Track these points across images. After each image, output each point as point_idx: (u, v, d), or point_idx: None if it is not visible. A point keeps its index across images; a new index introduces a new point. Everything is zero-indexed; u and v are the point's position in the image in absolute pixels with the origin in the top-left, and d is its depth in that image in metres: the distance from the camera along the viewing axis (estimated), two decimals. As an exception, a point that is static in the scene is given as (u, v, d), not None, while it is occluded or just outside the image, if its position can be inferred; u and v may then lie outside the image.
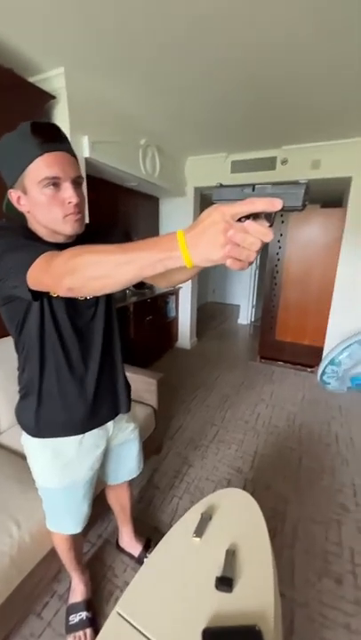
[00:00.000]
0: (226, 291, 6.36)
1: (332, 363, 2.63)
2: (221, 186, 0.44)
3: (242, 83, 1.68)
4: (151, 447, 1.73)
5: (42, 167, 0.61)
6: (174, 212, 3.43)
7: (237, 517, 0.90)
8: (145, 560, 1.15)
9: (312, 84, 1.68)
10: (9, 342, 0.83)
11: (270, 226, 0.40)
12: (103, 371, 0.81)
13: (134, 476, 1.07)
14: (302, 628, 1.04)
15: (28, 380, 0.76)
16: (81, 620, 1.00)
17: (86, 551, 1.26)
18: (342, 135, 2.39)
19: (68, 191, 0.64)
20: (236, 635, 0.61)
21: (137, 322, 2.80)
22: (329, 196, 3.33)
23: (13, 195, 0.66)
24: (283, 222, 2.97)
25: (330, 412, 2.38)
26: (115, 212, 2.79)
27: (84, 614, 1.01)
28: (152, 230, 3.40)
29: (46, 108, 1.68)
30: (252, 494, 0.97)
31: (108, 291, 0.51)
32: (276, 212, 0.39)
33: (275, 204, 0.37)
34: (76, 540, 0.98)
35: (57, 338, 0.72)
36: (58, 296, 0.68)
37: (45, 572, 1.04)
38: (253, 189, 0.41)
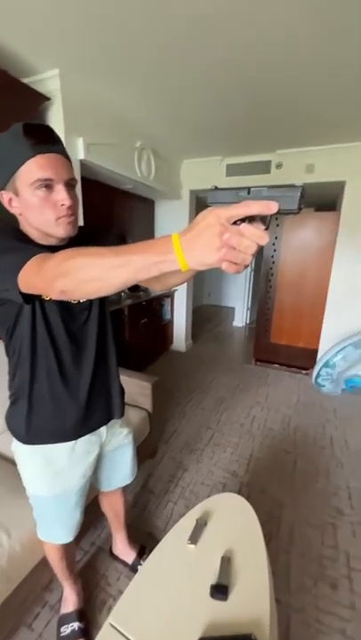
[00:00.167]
0: (221, 293, 6.38)
1: (326, 365, 2.64)
2: (217, 189, 0.44)
3: (238, 86, 1.69)
4: (146, 451, 1.71)
5: (34, 169, 0.61)
6: (170, 215, 3.43)
7: (233, 523, 0.89)
8: (139, 568, 1.13)
9: (308, 88, 1.69)
10: (-1, 346, 0.82)
11: (266, 229, 0.40)
12: (97, 375, 0.80)
13: (128, 482, 1.05)
14: (298, 633, 1.03)
15: (18, 385, 0.75)
16: (73, 631, 0.98)
17: (79, 559, 1.23)
18: (336, 140, 2.43)
19: (60, 193, 0.63)
20: (232, 644, 0.60)
21: (132, 324, 2.78)
22: (323, 200, 3.37)
23: (5, 196, 0.65)
24: (278, 225, 2.99)
25: (325, 414, 2.39)
26: (110, 214, 2.78)
27: (75, 625, 0.98)
28: (147, 233, 3.40)
29: (41, 109, 1.67)
30: (248, 498, 0.96)
31: (101, 294, 0.50)
32: (271, 215, 0.39)
33: (270, 207, 0.37)
34: (68, 549, 0.95)
35: (49, 342, 0.71)
36: (50, 299, 0.67)
37: (36, 581, 1.01)
38: (249, 192, 0.40)
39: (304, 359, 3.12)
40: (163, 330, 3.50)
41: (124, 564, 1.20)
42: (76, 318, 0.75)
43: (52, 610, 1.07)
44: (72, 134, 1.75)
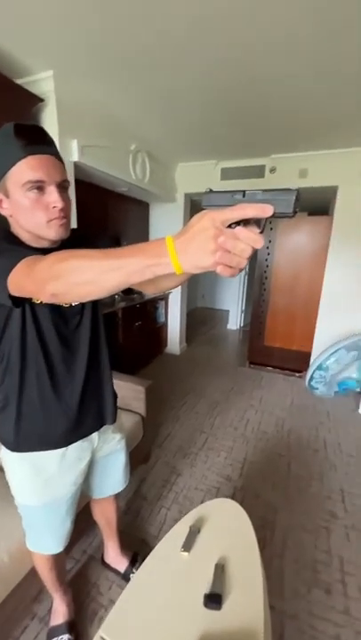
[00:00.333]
0: (215, 296, 6.40)
1: (319, 368, 2.66)
2: (211, 191, 0.43)
3: (233, 90, 1.69)
4: (139, 456, 1.69)
5: (25, 170, 0.59)
6: (164, 218, 3.43)
7: (227, 529, 0.87)
8: (131, 576, 1.11)
9: (305, 93, 1.71)
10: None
11: (261, 232, 0.39)
12: (89, 380, 0.78)
13: (120, 489, 1.03)
14: (292, 641, 1.02)
15: (7, 390, 0.72)
16: (63, 643, 0.95)
17: (70, 568, 1.20)
18: (329, 146, 2.46)
19: (52, 195, 0.62)
20: (226, 656, 0.59)
21: (126, 327, 2.76)
22: (316, 205, 3.41)
23: None
24: (271, 229, 3.01)
25: (318, 417, 2.40)
26: (104, 216, 2.76)
27: (65, 637, 0.95)
28: (142, 236, 3.39)
29: (34, 111, 1.66)
30: (242, 503, 0.95)
31: (93, 297, 0.49)
32: (266, 219, 0.38)
33: (266, 211, 0.36)
34: (58, 559, 0.93)
35: (40, 347, 0.69)
36: (41, 303, 0.65)
37: (25, 593, 0.98)
38: (244, 195, 0.40)
39: (298, 362, 3.13)
40: (157, 333, 3.49)
41: (116, 572, 1.18)
42: (68, 322, 0.73)
43: (41, 622, 1.04)
44: (66, 136, 1.74)
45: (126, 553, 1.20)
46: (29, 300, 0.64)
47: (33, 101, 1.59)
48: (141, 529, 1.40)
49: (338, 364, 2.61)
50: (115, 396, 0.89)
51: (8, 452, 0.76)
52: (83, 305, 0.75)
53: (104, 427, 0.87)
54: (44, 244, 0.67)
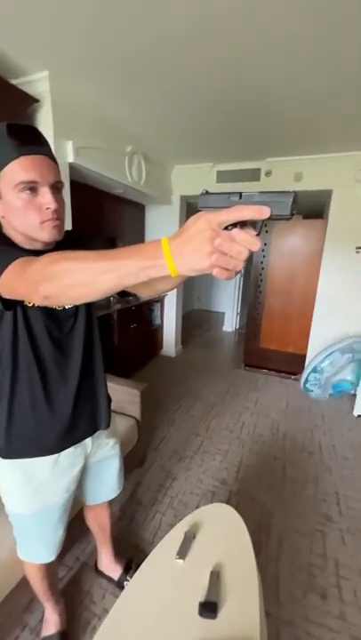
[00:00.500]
0: (211, 298, 6.41)
1: (314, 370, 2.67)
2: (207, 193, 0.42)
3: (229, 93, 1.69)
4: (134, 460, 1.67)
5: (17, 170, 0.58)
6: (160, 220, 3.43)
7: (222, 535, 0.86)
8: (125, 584, 1.09)
9: (303, 97, 1.72)
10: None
11: (258, 234, 0.39)
12: (82, 385, 0.76)
13: (114, 495, 1.01)
14: (288, 648, 1.01)
15: None
16: (54, 654, 0.92)
17: (62, 576, 1.18)
18: (324, 150, 2.49)
19: (45, 196, 0.61)
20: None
21: (121, 330, 2.74)
22: (311, 208, 3.45)
23: None
24: (267, 232, 3.03)
25: (313, 419, 2.41)
26: (100, 218, 2.75)
27: (57, 648, 0.93)
28: (138, 238, 3.38)
29: (29, 111, 1.65)
30: (237, 507, 0.95)
31: (87, 300, 0.48)
32: (263, 221, 0.38)
33: (263, 213, 0.36)
34: (50, 568, 0.90)
35: (32, 351, 0.67)
36: (33, 305, 0.64)
37: (16, 602, 0.96)
38: (240, 197, 0.39)
39: (293, 364, 3.14)
40: (152, 335, 3.47)
41: (110, 580, 1.16)
42: (62, 326, 0.72)
43: (32, 632, 1.01)
44: (61, 137, 1.73)
45: (120, 560, 1.18)
46: (21, 303, 0.62)
47: (28, 102, 1.58)
48: (136, 534, 1.38)
49: (332, 367, 2.62)
50: (109, 400, 0.88)
51: (-1, 458, 0.74)
52: (77, 308, 0.74)
53: (98, 432, 0.85)
54: (37, 246, 0.66)
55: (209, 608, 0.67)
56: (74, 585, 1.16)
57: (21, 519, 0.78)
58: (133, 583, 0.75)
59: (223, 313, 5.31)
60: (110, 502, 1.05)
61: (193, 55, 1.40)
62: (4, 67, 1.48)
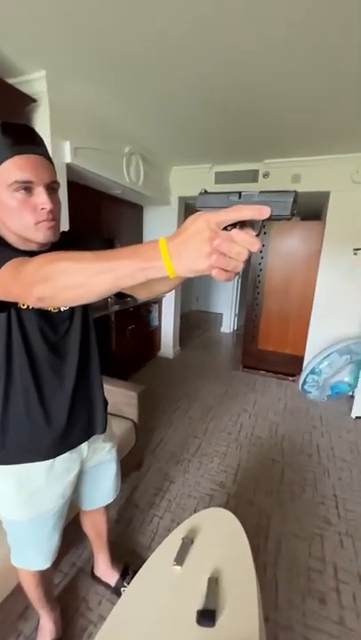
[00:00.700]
0: (209, 299, 6.40)
1: (312, 372, 2.67)
2: (206, 192, 0.42)
3: (228, 91, 1.68)
4: (131, 463, 1.66)
5: (12, 170, 0.57)
6: (158, 221, 3.42)
7: (220, 540, 0.85)
8: (122, 590, 1.07)
9: (302, 99, 1.71)
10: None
11: (257, 235, 0.38)
12: (78, 388, 0.75)
13: (111, 500, 0.99)
14: (287, 654, 1.00)
15: None
16: (49, 663, 0.91)
17: (58, 582, 1.16)
18: (322, 152, 2.49)
19: (41, 196, 0.60)
20: None
21: (119, 331, 2.73)
22: (309, 210, 3.45)
23: None
24: (265, 233, 3.03)
25: (311, 421, 2.40)
26: (98, 219, 2.74)
27: (52, 656, 0.91)
28: (136, 238, 3.37)
29: (26, 111, 1.63)
30: (235, 510, 0.94)
31: (82, 301, 0.47)
32: (263, 221, 0.37)
33: (263, 212, 0.35)
34: (45, 575, 0.88)
35: (26, 354, 0.65)
36: (28, 307, 0.63)
37: (11, 609, 0.94)
38: (240, 197, 0.38)
39: (291, 365, 3.14)
40: (150, 336, 3.46)
41: (107, 586, 1.14)
42: (57, 328, 0.70)
43: (26, 640, 1.00)
44: (59, 137, 1.72)
45: (117, 565, 1.16)
46: (15, 305, 0.61)
47: (25, 101, 1.56)
48: (133, 539, 1.37)
49: (330, 368, 2.62)
50: (105, 403, 0.86)
51: (-8, 464, 0.72)
52: (72, 310, 0.72)
53: (94, 436, 0.84)
54: (32, 247, 0.64)
55: (207, 616, 0.65)
56: (70, 591, 1.14)
57: (16, 526, 0.76)
58: (130, 590, 0.74)
59: (221, 314, 5.30)
60: (107, 507, 1.04)
61: (192, 55, 1.39)
62: (1, 66, 1.46)
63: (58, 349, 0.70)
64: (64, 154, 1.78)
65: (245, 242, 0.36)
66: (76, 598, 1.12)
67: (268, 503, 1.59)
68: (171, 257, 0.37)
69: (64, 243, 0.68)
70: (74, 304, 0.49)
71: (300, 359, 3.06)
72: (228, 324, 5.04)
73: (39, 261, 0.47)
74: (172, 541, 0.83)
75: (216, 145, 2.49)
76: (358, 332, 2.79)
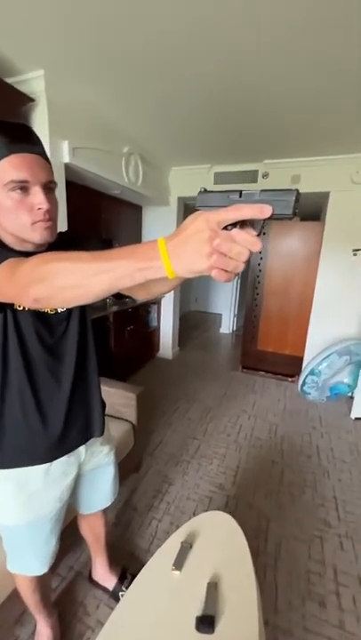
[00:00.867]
0: (208, 299, 6.39)
1: (312, 373, 2.66)
2: (206, 191, 0.41)
3: (227, 91, 1.67)
4: (130, 465, 1.64)
5: (8, 169, 0.56)
6: (157, 221, 3.42)
7: (219, 544, 0.84)
8: (120, 594, 1.06)
9: (302, 100, 1.70)
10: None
11: (258, 235, 0.37)
12: (75, 391, 0.74)
13: (109, 503, 0.98)
14: (287, 658, 0.99)
15: None
16: (46, 669, 0.89)
17: (55, 586, 1.14)
18: (321, 152, 2.49)
19: (37, 196, 0.59)
20: None
21: (118, 332, 2.72)
22: (308, 211, 3.45)
23: None
24: (264, 234, 3.02)
25: (310, 422, 2.39)
26: (97, 219, 2.73)
27: (49, 662, 0.90)
28: (135, 239, 3.36)
29: (24, 110, 1.62)
30: (235, 513, 0.93)
31: (79, 302, 0.46)
32: (264, 220, 0.36)
33: (264, 211, 0.34)
34: (42, 580, 0.87)
35: (22, 357, 0.64)
36: (24, 309, 0.62)
37: (7, 614, 0.93)
38: (240, 195, 0.37)
39: (290, 366, 3.13)
40: (149, 337, 3.45)
41: (105, 590, 1.12)
42: (54, 330, 0.69)
43: (23, 646, 0.98)
44: (57, 137, 1.71)
45: (115, 569, 1.15)
46: (11, 306, 0.60)
47: (23, 101, 1.55)
48: (131, 542, 1.35)
49: (330, 369, 2.61)
50: (103, 405, 0.85)
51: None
52: (69, 311, 0.71)
53: (92, 439, 0.82)
54: (29, 248, 0.63)
55: (206, 622, 0.64)
56: (67, 595, 1.13)
57: (12, 531, 0.75)
58: (129, 595, 0.73)
59: (220, 314, 5.30)
60: (105, 510, 1.03)
61: (192, 55, 1.38)
62: (-2, 65, 1.45)
63: (55, 351, 0.69)
64: (62, 154, 1.77)
65: (246, 242, 0.35)
66: (73, 603, 1.11)
67: (268, 505, 1.58)
68: (170, 257, 0.36)
69: (61, 243, 0.67)
70: (71, 305, 0.48)
71: (299, 360, 3.06)
72: (228, 325, 5.03)
73: (35, 261, 0.46)
74: (171, 546, 0.81)
75: (215, 145, 2.49)
76: (358, 333, 2.79)
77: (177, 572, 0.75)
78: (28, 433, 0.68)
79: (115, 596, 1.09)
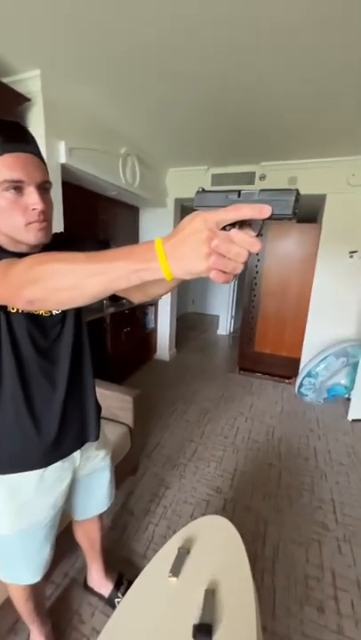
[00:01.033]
0: (205, 301, 6.39)
1: (309, 375, 2.66)
2: (204, 191, 0.40)
3: (226, 91, 1.67)
4: (126, 468, 1.62)
5: (1, 169, 0.55)
6: (154, 223, 3.41)
7: (217, 549, 0.83)
8: (116, 601, 1.04)
9: (302, 100, 1.71)
10: None
11: (257, 235, 0.36)
12: (70, 395, 0.72)
13: (105, 509, 0.96)
14: (285, 665, 0.98)
15: None
16: None
17: (49, 594, 1.12)
18: (318, 155, 2.51)
19: (32, 196, 0.57)
20: None
21: (114, 334, 2.70)
22: (305, 213, 3.47)
23: None
24: (261, 235, 2.99)
25: (308, 424, 2.39)
26: (93, 220, 2.72)
27: (43, 672, 0.88)
28: (131, 240, 3.36)
29: (20, 110, 1.61)
30: (232, 516, 0.92)
31: (74, 304, 0.45)
32: (263, 220, 0.35)
33: (263, 211, 0.33)
34: (36, 589, 0.85)
35: (14, 360, 0.63)
36: (17, 311, 0.60)
37: (0, 624, 0.90)
38: (239, 195, 0.37)
39: (287, 368, 3.13)
40: (146, 339, 3.43)
41: (100, 597, 1.10)
42: (48, 333, 0.67)
43: (16, 655, 0.96)
44: (53, 137, 1.69)
45: (111, 575, 1.13)
46: (4, 309, 0.58)
47: (19, 100, 1.54)
48: (127, 547, 1.33)
49: (327, 371, 2.61)
50: (98, 409, 0.84)
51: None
52: (64, 313, 0.70)
53: (87, 444, 0.81)
54: (22, 249, 0.62)
55: (203, 631, 0.63)
56: (62, 602, 1.11)
57: (5, 540, 0.73)
58: (125, 603, 0.71)
59: (218, 316, 5.29)
60: (100, 515, 1.01)
61: (191, 55, 1.38)
62: (-6, 64, 1.44)
63: (49, 355, 0.68)
64: (59, 154, 1.75)
65: (245, 242, 0.35)
66: (68, 610, 1.08)
67: (266, 508, 1.57)
68: (167, 258, 0.35)
69: (56, 244, 0.65)
70: (66, 307, 0.47)
71: (296, 362, 3.06)
72: (225, 327, 5.03)
73: (29, 262, 0.45)
74: (168, 551, 0.80)
75: (213, 147, 2.49)
76: (355, 335, 2.80)
77: (174, 579, 0.73)
78: (21, 438, 0.67)
79: (110, 602, 1.07)
